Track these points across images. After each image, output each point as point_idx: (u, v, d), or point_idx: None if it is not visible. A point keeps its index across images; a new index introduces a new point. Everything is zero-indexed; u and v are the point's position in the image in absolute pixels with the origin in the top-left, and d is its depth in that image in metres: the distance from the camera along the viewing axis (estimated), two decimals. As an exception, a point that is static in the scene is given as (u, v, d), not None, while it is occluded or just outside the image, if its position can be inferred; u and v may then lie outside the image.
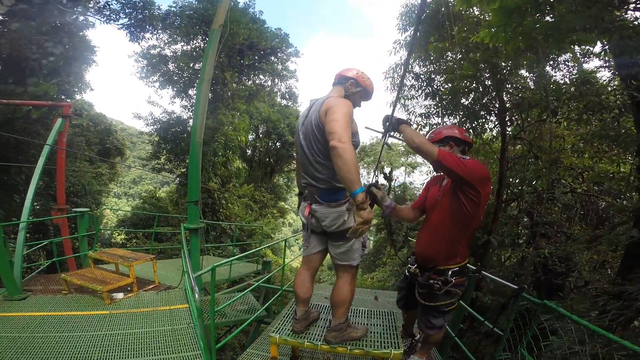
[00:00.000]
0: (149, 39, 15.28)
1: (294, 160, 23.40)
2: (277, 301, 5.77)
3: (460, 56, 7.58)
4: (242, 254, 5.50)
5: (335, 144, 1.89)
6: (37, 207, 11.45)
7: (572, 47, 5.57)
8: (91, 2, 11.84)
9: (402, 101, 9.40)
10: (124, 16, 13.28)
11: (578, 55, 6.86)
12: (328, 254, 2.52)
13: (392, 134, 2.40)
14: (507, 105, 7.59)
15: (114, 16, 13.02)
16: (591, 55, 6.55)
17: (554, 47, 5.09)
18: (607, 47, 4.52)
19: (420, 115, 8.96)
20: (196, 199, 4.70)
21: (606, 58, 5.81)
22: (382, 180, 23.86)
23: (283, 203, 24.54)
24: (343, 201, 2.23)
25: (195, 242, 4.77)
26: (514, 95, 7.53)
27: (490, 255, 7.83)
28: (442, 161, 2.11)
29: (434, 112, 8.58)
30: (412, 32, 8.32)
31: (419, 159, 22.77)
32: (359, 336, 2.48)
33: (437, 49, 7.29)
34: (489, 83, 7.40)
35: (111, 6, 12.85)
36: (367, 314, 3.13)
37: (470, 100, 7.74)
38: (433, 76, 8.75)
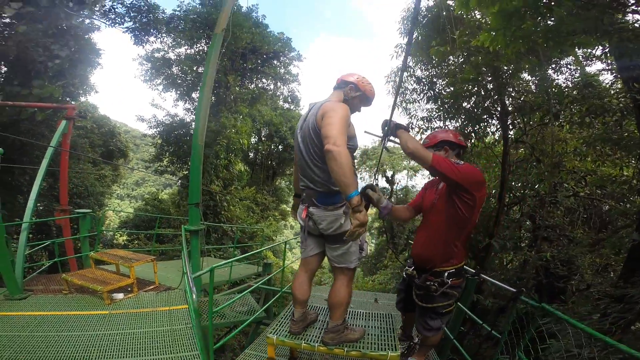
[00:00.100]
0: (153, 42, 15.45)
1: (295, 163, 23.43)
2: (277, 303, 5.78)
3: (461, 60, 7.60)
4: (241, 256, 5.51)
5: (330, 147, 1.90)
6: (41, 208, 11.54)
7: (574, 50, 5.57)
8: (97, 5, 11.95)
9: (404, 105, 9.43)
10: (129, 20, 13.43)
11: (580, 59, 6.85)
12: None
13: (390, 138, 2.41)
14: (509, 108, 7.58)
15: (119, 19, 13.19)
16: (593, 59, 6.54)
17: (554, 50, 5.10)
18: (607, 50, 4.51)
19: (422, 118, 8.98)
20: (197, 201, 4.72)
21: (608, 61, 5.80)
22: (384, 183, 23.88)
23: (285, 206, 24.53)
24: (340, 204, 2.23)
25: (196, 243, 4.79)
26: (516, 99, 7.52)
27: (492, 259, 7.80)
28: (437, 166, 2.13)
29: (436, 115, 8.59)
30: (413, 37, 8.37)
31: (420, 162, 22.78)
32: (356, 338, 2.48)
33: (438, 52, 7.31)
34: (491, 87, 7.40)
35: (116, 10, 13.02)
36: (366, 316, 3.13)
37: (472, 103, 7.74)
38: (435, 80, 8.77)
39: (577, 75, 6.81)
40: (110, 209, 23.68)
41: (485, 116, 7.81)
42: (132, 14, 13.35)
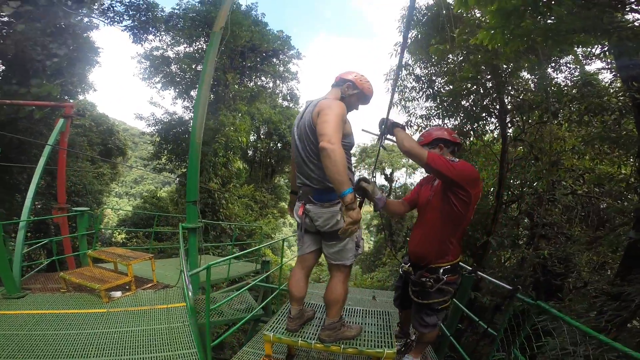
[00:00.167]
0: (152, 40, 15.43)
1: (294, 161, 23.47)
2: (276, 300, 5.78)
3: (461, 58, 7.59)
4: (238, 254, 5.52)
5: (324, 145, 1.91)
6: (39, 206, 11.53)
7: (573, 48, 5.56)
8: (95, 4, 11.93)
9: (403, 103, 9.42)
10: (128, 18, 13.41)
11: (580, 58, 6.84)
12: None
13: (387, 136, 2.41)
14: (508, 107, 7.57)
15: (118, 18, 13.16)
16: (593, 57, 6.54)
17: (554, 49, 5.09)
18: (606, 49, 4.50)
19: (421, 116, 8.97)
20: (195, 199, 4.72)
21: (608, 60, 5.80)
22: (383, 181, 23.90)
23: (283, 203, 24.53)
24: (337, 201, 2.23)
25: (194, 241, 4.79)
26: (515, 97, 7.52)
27: (490, 256, 7.82)
28: (432, 164, 2.15)
29: (435, 113, 8.58)
30: (413, 35, 8.37)
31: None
32: (352, 335, 2.48)
33: (437, 51, 7.30)
34: (490, 85, 7.40)
35: (115, 8, 13.00)
36: (363, 313, 3.13)
37: (470, 102, 7.74)
38: (434, 78, 8.77)
39: (577, 74, 6.81)
40: (109, 207, 23.66)
41: (484, 114, 7.81)
42: (130, 13, 13.33)
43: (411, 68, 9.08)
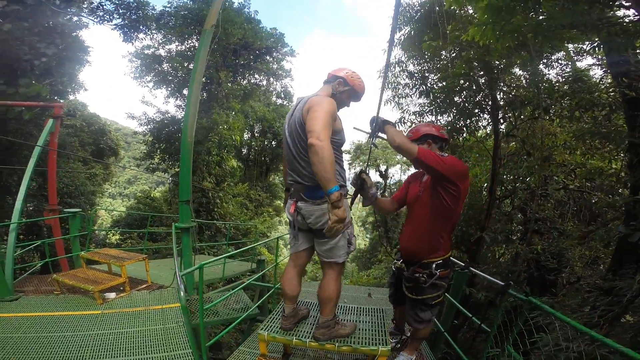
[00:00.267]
0: (142, 39, 15.20)
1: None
2: (273, 299, 5.78)
3: (453, 55, 7.61)
4: (232, 252, 5.51)
5: (312, 141, 1.91)
6: (30, 208, 11.40)
7: (564, 44, 5.60)
8: (85, 2, 11.76)
9: (397, 99, 9.43)
10: (118, 16, 13.21)
11: (571, 54, 6.89)
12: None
13: (378, 134, 2.42)
14: (500, 103, 7.61)
15: (108, 16, 12.95)
16: (584, 54, 6.58)
17: (545, 45, 5.12)
18: (595, 44, 4.53)
19: (415, 113, 8.98)
20: (188, 199, 4.70)
21: (599, 56, 5.84)
22: (377, 177, 23.95)
23: (279, 202, 24.50)
24: None
25: (187, 241, 4.77)
26: (507, 94, 7.55)
27: (485, 252, 7.87)
28: (422, 159, 2.17)
29: (428, 110, 8.59)
30: (406, 32, 8.37)
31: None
32: (347, 333, 2.49)
33: (430, 47, 7.32)
34: (482, 81, 7.43)
35: (105, 7, 12.79)
36: (357, 310, 3.14)
37: (463, 98, 7.76)
38: (427, 75, 8.77)
39: (568, 70, 6.85)
40: (102, 208, 23.46)
41: (476, 110, 7.83)
42: (121, 11, 13.13)
43: (404, 65, 9.08)
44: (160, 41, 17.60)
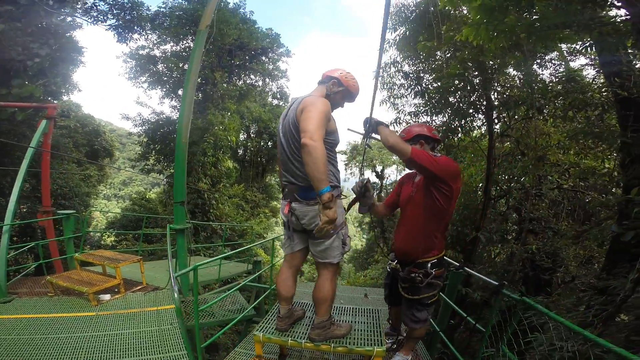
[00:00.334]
0: (137, 39, 15.20)
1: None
2: (269, 300, 5.77)
3: (448, 55, 7.64)
4: (227, 254, 5.51)
5: (306, 141, 1.91)
6: (24, 209, 11.32)
7: (557, 44, 5.64)
8: (78, 3, 11.69)
9: (392, 100, 9.45)
10: (112, 17, 13.15)
11: (565, 54, 6.94)
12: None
13: (371, 135, 2.44)
14: (495, 103, 7.65)
15: (102, 17, 12.89)
16: (577, 54, 6.64)
17: (538, 45, 5.15)
18: (587, 44, 4.57)
19: (410, 113, 9.00)
20: (182, 200, 4.69)
21: (591, 56, 5.89)
22: (374, 178, 23.99)
23: (275, 202, 24.48)
24: None
25: (182, 242, 4.75)
26: (501, 94, 7.59)
27: (481, 252, 7.90)
28: (416, 159, 2.18)
29: (423, 110, 8.61)
30: (401, 32, 8.39)
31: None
32: (342, 334, 2.48)
33: (425, 47, 7.34)
34: (477, 81, 7.46)
35: (99, 7, 12.72)
36: (353, 311, 3.14)
37: (458, 98, 7.79)
38: (422, 75, 8.80)
39: (561, 70, 6.91)
40: (97, 210, 23.30)
41: (471, 111, 7.87)
42: (115, 11, 13.07)
43: (400, 65, 9.11)
44: (155, 42, 17.55)
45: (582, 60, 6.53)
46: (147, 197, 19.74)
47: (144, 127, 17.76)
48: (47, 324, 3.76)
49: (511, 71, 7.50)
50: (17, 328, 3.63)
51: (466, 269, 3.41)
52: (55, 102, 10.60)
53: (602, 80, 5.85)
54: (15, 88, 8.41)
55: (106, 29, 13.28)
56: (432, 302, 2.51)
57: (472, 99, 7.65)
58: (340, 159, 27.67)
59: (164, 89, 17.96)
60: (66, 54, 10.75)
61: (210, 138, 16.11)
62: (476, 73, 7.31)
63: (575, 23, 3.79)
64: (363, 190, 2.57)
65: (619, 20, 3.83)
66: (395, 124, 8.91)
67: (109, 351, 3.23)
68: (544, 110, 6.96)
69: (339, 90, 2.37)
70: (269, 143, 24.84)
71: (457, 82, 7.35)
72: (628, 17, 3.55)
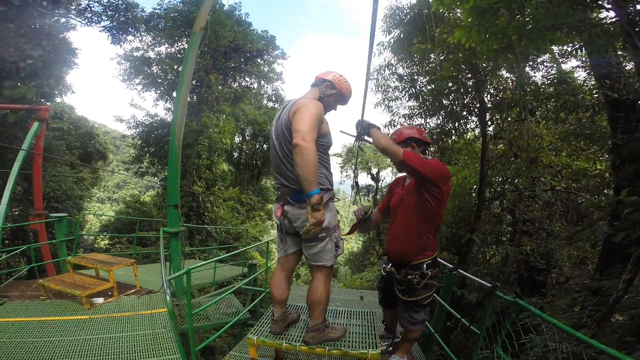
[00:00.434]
0: (131, 41, 15.07)
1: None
2: (265, 303, 5.74)
3: (442, 57, 7.69)
4: (221, 257, 5.49)
5: (297, 141, 1.91)
6: (16, 212, 11.19)
7: (548, 46, 5.69)
8: (72, 4, 11.61)
9: (387, 102, 9.50)
10: (106, 18, 13.10)
11: (557, 56, 7.01)
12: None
13: (363, 137, 2.45)
14: (488, 105, 7.71)
15: (96, 18, 12.84)
16: (569, 56, 6.71)
17: (530, 47, 5.20)
18: (578, 46, 4.62)
19: (404, 116, 9.04)
20: (176, 203, 4.66)
21: (582, 58, 5.96)
22: (369, 181, 24.01)
23: (271, 205, 24.38)
24: None
25: (176, 245, 4.72)
26: (494, 96, 7.66)
27: (476, 253, 7.94)
28: (407, 161, 2.20)
29: (417, 113, 8.66)
30: (395, 35, 8.43)
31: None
32: (337, 337, 2.47)
33: (419, 50, 7.38)
34: (470, 84, 7.52)
35: (93, 8, 12.66)
36: (348, 314, 3.13)
37: (451, 100, 7.84)
38: (416, 77, 8.84)
39: (553, 72, 6.98)
40: (90, 213, 23.10)
41: (464, 113, 7.93)
42: (109, 13, 13.03)
43: (394, 67, 9.16)
44: (150, 43, 17.44)
45: (574, 62, 6.62)
46: (142, 200, 19.59)
47: (138, 130, 17.62)
48: (39, 327, 3.73)
49: (504, 73, 7.57)
50: (9, 331, 3.60)
51: (460, 270, 3.42)
52: (48, 104, 10.52)
53: (593, 82, 5.93)
54: (7, 89, 8.35)
55: (100, 31, 13.22)
56: (428, 302, 2.52)
57: (465, 101, 7.70)
58: (336, 162, 27.67)
59: (158, 91, 17.86)
60: (59, 55, 10.67)
61: (205, 141, 16.03)
62: (469, 75, 7.37)
63: (566, 25, 3.83)
64: (365, 217, 2.66)
65: (608, 22, 3.89)
66: (389, 127, 8.94)
67: (102, 355, 3.21)
68: (537, 112, 7.03)
69: (332, 93, 2.37)
70: (264, 146, 24.77)
71: (450, 84, 7.40)
72: (617, 19, 3.60)
